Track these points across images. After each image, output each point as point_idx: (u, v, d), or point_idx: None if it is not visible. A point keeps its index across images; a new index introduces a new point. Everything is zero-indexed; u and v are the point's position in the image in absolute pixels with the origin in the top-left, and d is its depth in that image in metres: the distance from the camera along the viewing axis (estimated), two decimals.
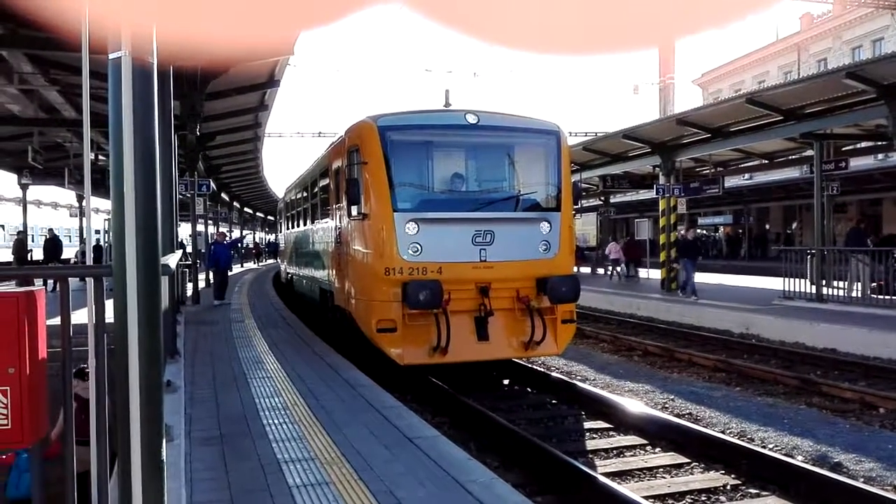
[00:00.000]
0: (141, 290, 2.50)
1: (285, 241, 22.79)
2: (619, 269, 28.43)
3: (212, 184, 21.21)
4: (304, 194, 16.80)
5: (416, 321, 9.20)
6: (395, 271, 9.19)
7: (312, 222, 15.34)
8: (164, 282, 7.98)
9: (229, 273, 21.72)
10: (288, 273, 21.93)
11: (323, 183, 13.49)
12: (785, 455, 7.08)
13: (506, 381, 11.09)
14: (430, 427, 6.45)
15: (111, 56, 2.51)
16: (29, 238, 26.96)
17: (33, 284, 2.81)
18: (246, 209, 54.83)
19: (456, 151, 10.37)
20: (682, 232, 22.05)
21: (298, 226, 18.25)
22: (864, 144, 21.50)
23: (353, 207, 9.65)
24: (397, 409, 7.13)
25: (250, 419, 6.74)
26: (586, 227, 38.43)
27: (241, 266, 44.36)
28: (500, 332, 9.53)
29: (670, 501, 6.23)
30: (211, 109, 18.42)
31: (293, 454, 5.60)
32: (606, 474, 6.58)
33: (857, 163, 25.18)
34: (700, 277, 26.35)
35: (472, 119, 10.05)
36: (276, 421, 6.65)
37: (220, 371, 9.28)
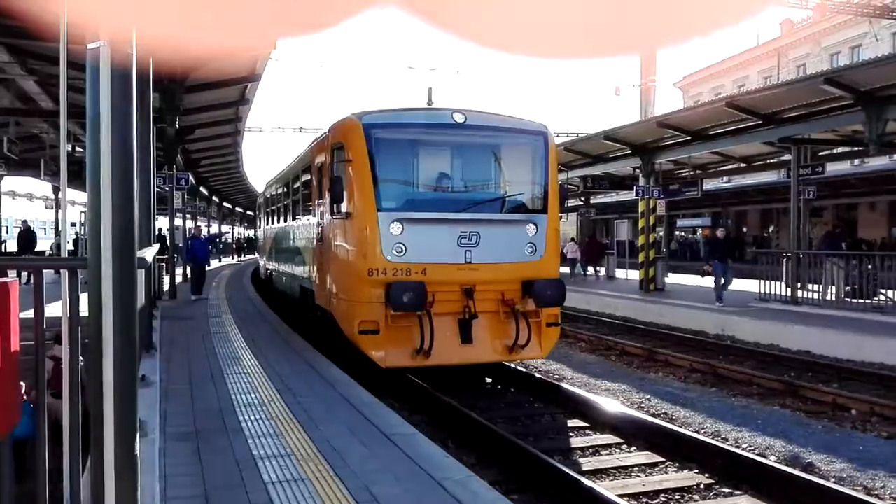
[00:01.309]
0: (116, 284, 2.47)
1: (265, 237, 22.36)
2: (576, 268, 29.61)
3: (191, 178, 21.02)
4: (286, 190, 16.49)
5: (398, 323, 9.05)
6: (379, 272, 9.01)
7: (293, 219, 15.06)
8: (141, 275, 7.92)
9: (207, 268, 21.55)
10: (267, 269, 21.51)
11: (305, 179, 13.26)
12: (758, 455, 7.16)
13: (488, 380, 11.10)
14: (407, 424, 6.45)
15: (89, 46, 2.48)
16: (3, 230, 26.56)
17: (6, 276, 2.77)
18: (225, 204, 54.40)
19: (442, 151, 10.21)
20: (718, 231, 20.03)
21: (279, 222, 17.91)
22: (840, 150, 21.78)
23: (336, 206, 9.52)
24: (374, 406, 7.12)
25: (226, 415, 6.70)
26: (567, 228, 38.62)
27: (220, 261, 44.04)
28: (484, 335, 9.41)
29: (645, 500, 6.28)
30: (191, 102, 18.26)
31: (269, 450, 5.57)
32: (582, 472, 6.62)
33: (833, 168, 25.50)
34: (676, 279, 26.58)
35: (458, 118, 9.86)
36: (252, 417, 6.62)
37: (196, 366, 9.21)
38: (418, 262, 9.07)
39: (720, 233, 19.70)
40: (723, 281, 18.01)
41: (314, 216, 11.74)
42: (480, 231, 9.34)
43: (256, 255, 30.41)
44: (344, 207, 9.50)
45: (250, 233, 67.73)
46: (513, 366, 11.14)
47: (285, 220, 16.58)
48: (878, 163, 30.32)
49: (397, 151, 9.80)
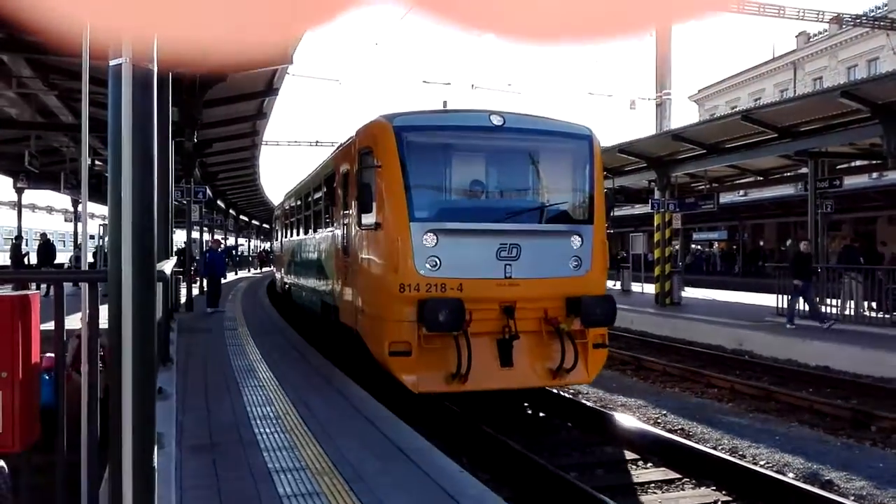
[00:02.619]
0: (136, 297, 2.50)
1: (283, 250, 21.79)
2: None
3: (208, 191, 21.18)
4: (307, 200, 15.87)
5: (432, 344, 8.25)
6: (411, 288, 8.25)
7: (315, 230, 14.41)
8: (159, 288, 7.99)
9: (223, 281, 21.67)
10: (285, 283, 20.89)
11: (328, 188, 12.54)
12: (776, 472, 7.08)
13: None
14: (422, 439, 6.43)
15: (112, 62, 2.52)
16: (24, 242, 26.88)
17: (28, 288, 2.81)
18: (242, 217, 54.77)
19: (479, 155, 9.46)
20: (802, 245, 17.02)
21: (299, 234, 17.35)
22: (858, 163, 21.62)
23: (363, 216, 8.78)
24: (390, 419, 7.11)
25: (242, 428, 6.71)
26: None
27: (236, 274, 44.27)
28: (525, 358, 8.61)
29: None
30: (209, 117, 18.44)
31: (284, 463, 5.57)
32: (598, 488, 6.57)
33: (851, 181, 25.30)
34: (693, 293, 26.41)
35: (496, 120, 9.07)
36: (267, 430, 6.62)
37: (212, 379, 9.24)
38: (454, 277, 8.32)
39: (804, 246, 16.87)
40: (800, 301, 16.31)
41: (338, 227, 11.08)
42: (521, 243, 8.59)
43: (273, 268, 30.56)
44: (372, 217, 8.73)
45: (266, 245, 68.10)
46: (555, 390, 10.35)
47: (306, 232, 16.02)
48: None
49: (431, 156, 9.12)
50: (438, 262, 8.35)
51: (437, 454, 5.92)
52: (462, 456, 7.52)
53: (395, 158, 8.57)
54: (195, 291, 21.29)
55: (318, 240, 13.75)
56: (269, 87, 17.49)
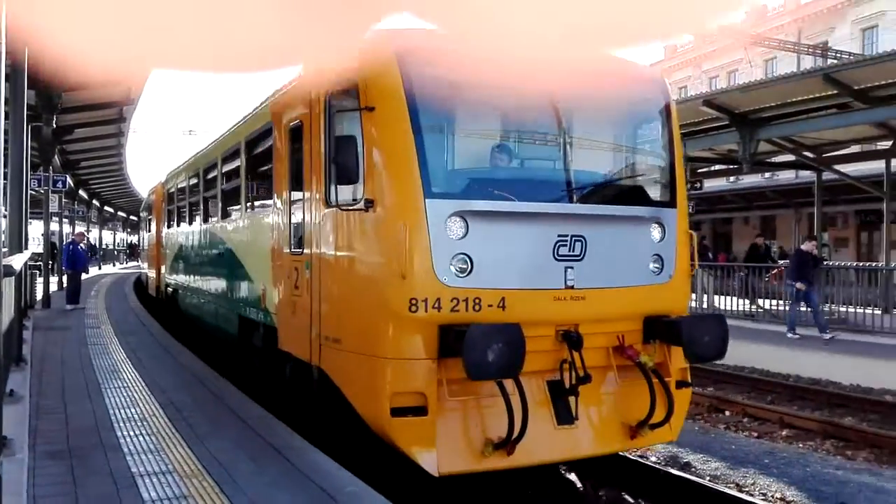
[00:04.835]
0: None
1: (166, 243, 17.22)
2: None
3: (69, 180, 19.90)
4: (209, 177, 12.08)
5: (460, 394, 5.48)
6: (428, 305, 5.33)
7: (226, 217, 10.73)
8: (10, 283, 7.40)
9: (85, 276, 20.42)
10: (168, 286, 16.65)
11: (254, 155, 9.11)
12: None
13: None
14: (298, 437, 6.29)
15: None
16: None
17: None
18: (107, 208, 51.87)
19: (527, 101, 6.20)
20: (805, 245, 15.75)
21: (195, 222, 13.27)
22: (717, 167, 23.07)
23: (340, 189, 5.67)
24: (265, 419, 6.92)
25: (103, 431, 6.33)
26: None
27: (100, 269, 41.91)
28: (593, 410, 6.00)
29: None
30: (70, 100, 17.30)
31: (150, 467, 5.30)
32: None
33: (710, 184, 26.95)
34: None
35: None
36: (132, 433, 6.28)
37: (71, 380, 8.67)
38: (493, 288, 5.51)
39: (808, 246, 15.49)
40: (805, 307, 14.96)
41: (277, 210, 7.72)
42: (587, 234, 5.85)
43: (142, 265, 27.47)
44: (356, 191, 5.73)
45: (133, 238, 64.80)
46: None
47: (206, 220, 12.34)
48: (750, 181, 32.39)
49: (457, 98, 6.02)
50: (469, 263, 5.48)
51: (315, 452, 5.82)
52: None
53: (400, 99, 5.51)
54: (53, 287, 19.97)
55: (234, 229, 10.19)
56: (140, 75, 16.59)
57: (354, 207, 5.72)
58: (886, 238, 19.61)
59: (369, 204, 5.60)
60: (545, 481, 6.69)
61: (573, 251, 5.79)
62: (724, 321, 6.19)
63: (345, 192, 5.73)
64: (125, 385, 8.40)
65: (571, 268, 5.77)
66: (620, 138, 6.79)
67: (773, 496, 6.67)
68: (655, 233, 6.34)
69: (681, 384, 6.40)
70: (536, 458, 5.72)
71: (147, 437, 6.13)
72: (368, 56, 5.67)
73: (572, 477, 7.00)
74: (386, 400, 5.37)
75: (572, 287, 5.76)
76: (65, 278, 20.06)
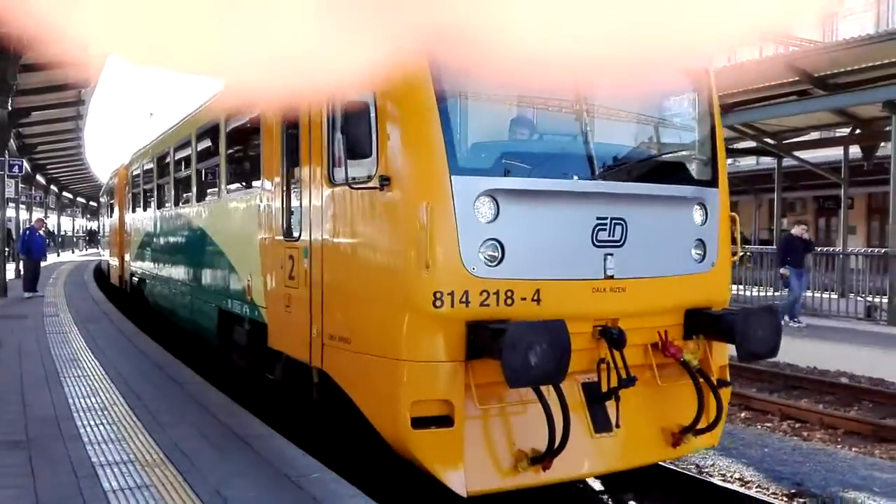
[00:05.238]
0: None
1: (132, 229, 16.01)
2: None
3: (25, 164, 19.43)
4: (180, 156, 11.18)
5: (488, 402, 4.91)
6: (455, 299, 4.74)
7: (203, 199, 9.87)
8: None
9: (43, 263, 20.00)
10: (134, 275, 15.54)
11: (239, 128, 8.20)
12: None
13: None
14: (263, 425, 6.25)
15: None
16: None
17: None
18: (65, 193, 50.78)
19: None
20: (795, 229, 15.46)
21: (167, 206, 12.15)
22: None
23: (349, 164, 5.03)
24: (228, 406, 6.85)
25: (63, 421, 6.21)
26: None
27: (58, 255, 41.07)
28: (634, 416, 5.37)
29: None
30: (27, 82, 16.88)
31: (110, 457, 5.22)
32: None
33: None
34: None
35: None
36: (92, 422, 6.18)
37: (29, 369, 8.50)
38: (527, 279, 4.93)
39: (798, 230, 15.28)
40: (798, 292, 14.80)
41: (269, 190, 6.99)
42: (627, 217, 5.28)
43: (103, 253, 26.44)
44: (368, 166, 5.06)
45: (92, 224, 63.57)
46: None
47: (178, 203, 11.24)
48: None
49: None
50: (500, 250, 4.88)
51: (279, 439, 5.78)
52: None
53: (424, 63, 4.82)
54: (10, 275, 19.52)
55: (213, 213, 9.35)
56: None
57: (367, 186, 5.03)
58: (844, 223, 20.04)
59: (384, 181, 4.92)
60: (561, 488, 5.66)
61: (613, 236, 5.22)
62: (776, 314, 5.81)
63: (354, 169, 5.04)
64: (85, 374, 8.25)
65: (611, 255, 5.20)
66: (659, 111, 6.15)
67: (732, 477, 6.81)
68: (697, 215, 5.78)
69: (721, 383, 5.77)
70: (574, 471, 5.18)
71: (108, 427, 6.03)
72: None
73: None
74: (405, 409, 4.74)
75: (612, 277, 5.20)
76: (21, 266, 19.60)
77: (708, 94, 6.10)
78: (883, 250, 16.98)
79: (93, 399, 7.03)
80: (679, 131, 6.23)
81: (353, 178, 5.03)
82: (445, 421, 4.79)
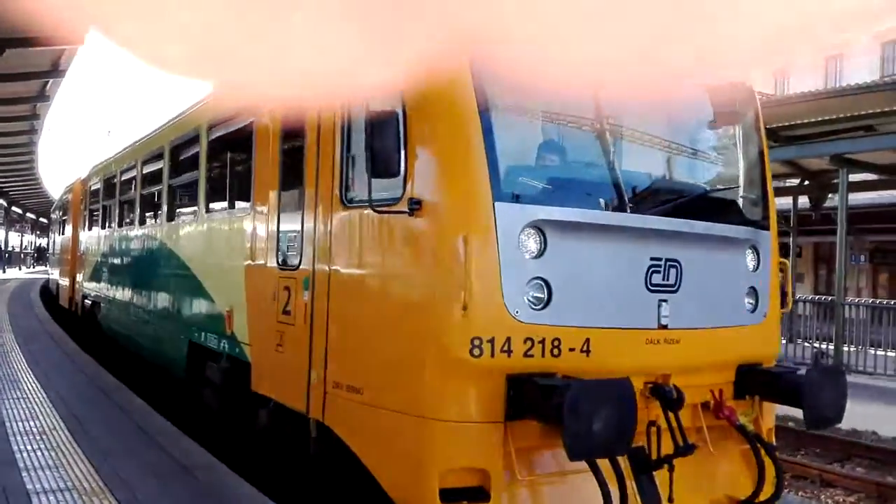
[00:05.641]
0: None
1: (86, 248, 14.94)
2: None
3: None
4: (153, 170, 10.09)
5: (530, 472, 4.22)
6: (496, 346, 4.05)
7: (174, 219, 9.02)
8: None
9: None
10: (87, 297, 14.42)
11: (223, 139, 7.36)
12: None
13: None
14: (209, 455, 6.08)
15: None
16: None
17: None
18: (14, 208, 49.48)
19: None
20: None
21: (130, 224, 11.21)
22: None
23: (374, 183, 4.30)
24: (174, 435, 6.66)
25: None
26: None
27: (3, 272, 39.86)
28: (682, 487, 4.57)
29: None
30: None
31: (47, 484, 5.04)
32: None
33: None
34: None
35: None
36: (29, 447, 5.96)
37: None
38: (575, 326, 4.29)
39: None
40: None
41: (260, 212, 6.20)
42: (681, 258, 4.73)
43: (51, 271, 23.88)
44: (396, 187, 4.39)
45: (42, 241, 61.91)
46: None
47: (151, 221, 10.19)
48: None
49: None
50: (546, 291, 4.24)
51: (226, 472, 5.63)
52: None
53: (466, 72, 4.21)
54: None
55: (186, 234, 8.51)
56: (55, 68, 15.94)
57: (394, 209, 4.32)
58: (792, 271, 20.51)
59: (415, 205, 4.20)
60: None
61: (667, 279, 4.64)
62: (843, 375, 5.29)
63: (381, 189, 4.36)
64: (24, 396, 7.98)
65: (665, 301, 4.61)
66: (711, 144, 5.66)
67: None
68: (750, 258, 5.25)
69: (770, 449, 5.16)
70: None
71: (46, 453, 5.82)
72: None
73: None
74: (433, 479, 3.99)
75: (665, 327, 4.59)
76: None
77: (757, 130, 5.62)
78: (829, 298, 17.43)
79: (31, 423, 6.79)
80: (730, 168, 5.65)
81: (382, 198, 4.32)
82: (479, 494, 4.04)
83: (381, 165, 4.20)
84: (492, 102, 4.22)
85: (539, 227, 4.22)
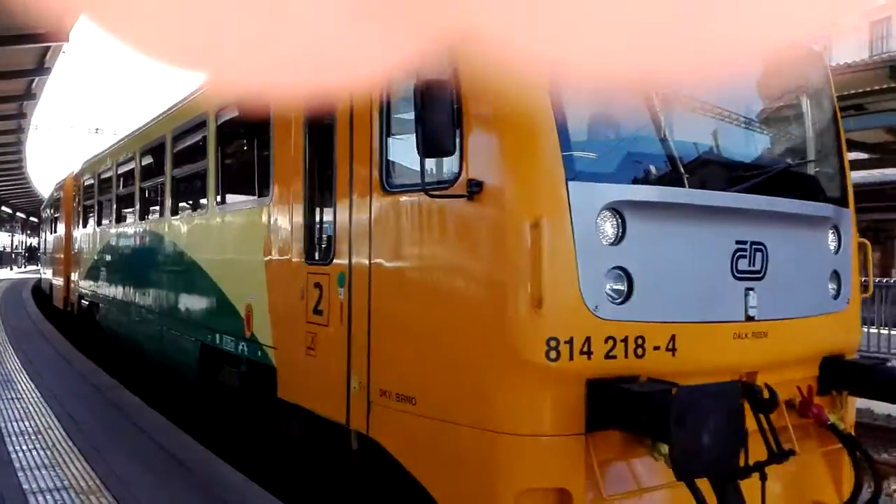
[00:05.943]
0: None
1: (81, 246, 14.35)
2: None
3: None
4: (154, 161, 9.57)
5: (617, 489, 3.72)
6: (574, 348, 3.60)
7: (179, 213, 8.53)
8: None
9: None
10: (84, 297, 13.92)
11: (237, 124, 6.94)
12: None
13: None
14: (203, 449, 6.10)
15: None
16: None
17: None
18: (4, 208, 49.27)
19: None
20: None
21: (129, 219, 10.77)
22: None
23: (427, 163, 3.90)
24: (169, 430, 6.69)
25: None
26: None
27: None
28: (772, 495, 4.08)
29: None
30: None
31: (43, 483, 5.07)
32: None
33: None
34: None
35: None
36: (25, 447, 5.99)
37: None
38: (659, 321, 3.83)
39: None
40: None
41: (284, 202, 5.68)
42: (767, 241, 4.26)
43: (44, 270, 23.30)
44: (451, 168, 4.07)
45: (33, 241, 61.64)
46: None
47: (154, 216, 9.64)
48: None
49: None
50: (627, 282, 3.79)
51: (220, 464, 5.66)
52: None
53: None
54: None
55: (195, 229, 7.99)
56: (41, 66, 15.80)
57: (450, 193, 3.81)
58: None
59: (475, 187, 3.71)
60: None
61: (753, 265, 4.15)
62: None
63: (434, 170, 4.06)
64: (19, 396, 7.99)
65: (752, 290, 4.13)
66: (785, 115, 5.17)
67: None
68: (831, 240, 4.79)
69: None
70: None
71: (41, 452, 5.85)
72: None
73: None
74: (509, 501, 3.55)
75: (752, 318, 4.13)
76: None
77: (832, 101, 5.20)
78: None
79: (26, 423, 6.81)
80: (809, 141, 5.12)
81: (435, 182, 3.92)
82: None
83: (433, 143, 3.64)
84: (564, 88, 3.71)
85: (617, 209, 3.73)
